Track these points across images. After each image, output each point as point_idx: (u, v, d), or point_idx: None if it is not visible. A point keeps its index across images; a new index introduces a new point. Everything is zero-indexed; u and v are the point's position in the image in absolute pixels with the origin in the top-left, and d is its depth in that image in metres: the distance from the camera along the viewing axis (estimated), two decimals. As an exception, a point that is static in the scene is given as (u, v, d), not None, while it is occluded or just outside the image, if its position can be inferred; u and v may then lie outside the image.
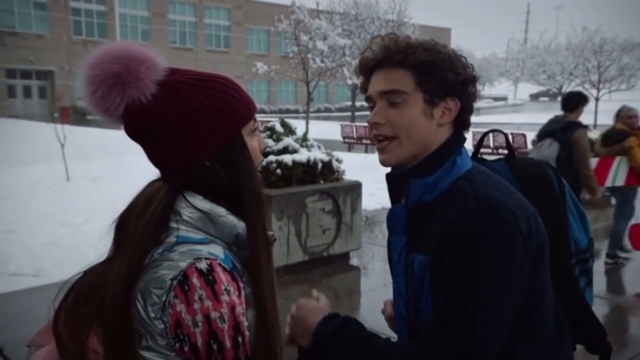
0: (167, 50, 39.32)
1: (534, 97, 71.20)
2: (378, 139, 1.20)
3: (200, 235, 0.98)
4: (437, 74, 1.15)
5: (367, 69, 1.23)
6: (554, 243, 1.19)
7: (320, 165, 5.55)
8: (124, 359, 0.93)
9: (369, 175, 8.79)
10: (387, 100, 1.18)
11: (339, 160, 5.84)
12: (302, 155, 5.45)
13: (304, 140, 5.79)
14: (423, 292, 1.14)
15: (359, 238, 5.85)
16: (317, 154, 5.59)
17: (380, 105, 1.19)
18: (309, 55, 20.03)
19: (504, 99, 68.52)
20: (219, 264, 0.94)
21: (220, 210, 0.99)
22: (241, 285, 0.96)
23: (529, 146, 10.68)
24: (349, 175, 6.07)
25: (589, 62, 33.02)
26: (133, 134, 1.00)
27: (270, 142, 5.56)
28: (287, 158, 5.34)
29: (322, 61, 20.81)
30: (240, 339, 0.94)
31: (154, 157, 1.02)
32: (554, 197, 1.27)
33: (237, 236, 1.01)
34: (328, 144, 7.69)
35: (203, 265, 0.93)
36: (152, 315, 0.92)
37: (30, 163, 12.36)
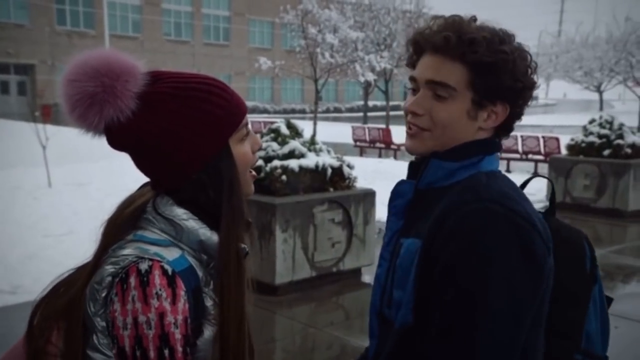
0: (161, 43, 39.66)
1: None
2: (410, 126, 1.23)
3: (158, 236, 1.04)
4: (494, 76, 1.16)
5: (420, 47, 1.23)
6: (561, 319, 1.18)
7: (329, 171, 5.56)
8: (76, 357, 0.99)
9: (383, 182, 8.78)
10: (432, 91, 1.19)
11: (350, 166, 5.85)
12: (310, 160, 5.46)
13: (311, 144, 5.80)
14: (404, 280, 1.15)
15: (372, 252, 5.84)
16: (326, 159, 5.59)
17: (425, 94, 1.20)
18: (318, 50, 20.10)
19: (535, 98, 68.27)
20: (161, 266, 0.98)
21: (181, 214, 1.05)
22: (181, 293, 0.98)
23: (563, 151, 10.63)
24: (361, 183, 6.07)
25: (632, 57, 32.86)
26: (115, 148, 1.08)
27: (274, 145, 5.57)
28: (293, 163, 5.35)
29: (331, 56, 20.87)
30: (167, 352, 0.96)
31: (141, 167, 1.09)
32: (581, 271, 1.24)
33: (202, 244, 1.05)
34: (338, 148, 7.71)
35: (144, 265, 0.98)
36: (93, 310, 0.99)
37: (8, 167, 12.45)
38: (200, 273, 1.04)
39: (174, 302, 0.96)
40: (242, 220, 1.09)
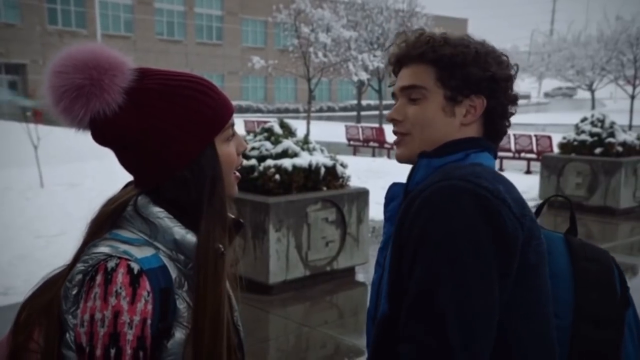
0: (153, 42, 39.53)
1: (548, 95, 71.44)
2: (396, 134, 1.26)
3: (132, 235, 1.04)
4: (460, 69, 1.18)
5: (393, 66, 1.28)
6: (596, 339, 1.13)
7: (323, 170, 5.56)
8: (52, 355, 1.00)
9: (376, 181, 8.81)
10: (407, 96, 1.23)
11: (343, 165, 5.85)
12: (303, 160, 5.46)
13: (305, 143, 5.80)
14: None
15: (365, 251, 5.85)
16: (320, 158, 5.60)
17: (401, 101, 1.25)
18: (311, 49, 20.11)
19: (527, 97, 68.57)
20: (127, 265, 0.97)
21: (157, 212, 1.04)
22: (143, 293, 0.96)
23: (555, 149, 10.67)
24: (354, 182, 6.08)
25: (623, 56, 33.04)
26: (100, 143, 1.07)
27: (268, 144, 5.57)
28: (287, 162, 5.35)
29: (324, 55, 20.88)
30: (113, 351, 0.94)
31: (124, 164, 1.09)
32: (612, 294, 1.18)
33: (176, 243, 1.04)
34: (331, 147, 7.71)
35: (112, 263, 0.97)
36: (65, 308, 0.99)
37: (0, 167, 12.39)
38: (174, 274, 1.02)
39: (132, 301, 0.95)
40: (223, 221, 1.07)
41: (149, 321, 0.96)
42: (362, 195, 5.80)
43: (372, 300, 1.27)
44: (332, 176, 5.67)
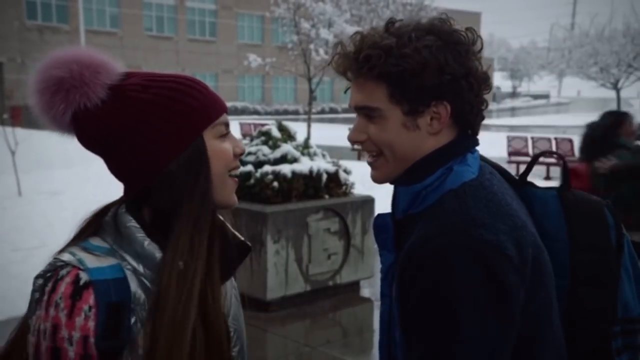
0: (142, 39, 39.67)
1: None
2: (368, 154, 1.26)
3: (100, 243, 1.06)
4: (412, 81, 1.15)
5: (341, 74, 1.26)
6: (593, 301, 1.20)
7: (324, 176, 5.57)
8: None
9: (382, 188, 8.77)
10: (364, 115, 1.22)
11: (347, 171, 5.86)
12: (304, 165, 5.47)
13: (305, 147, 5.81)
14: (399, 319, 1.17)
15: (371, 264, 5.84)
16: (321, 164, 5.61)
17: (359, 120, 1.24)
18: (311, 46, 20.14)
19: (546, 96, 68.64)
20: (76, 274, 0.99)
21: (126, 221, 1.05)
22: (83, 307, 0.96)
23: (577, 154, 10.66)
24: (359, 189, 6.08)
25: (653, 51, 33.00)
26: (85, 143, 1.09)
27: (265, 149, 5.58)
28: (286, 168, 5.36)
29: (326, 53, 20.91)
30: None
31: (112, 168, 1.11)
32: (606, 245, 1.25)
33: (137, 254, 1.04)
34: (334, 152, 7.71)
35: (63, 271, 1.00)
36: (29, 314, 1.03)
37: (-24, 174, 12.39)
38: (135, 287, 1.02)
39: (70, 315, 0.96)
40: (200, 224, 1.04)
41: (91, 339, 0.96)
42: (367, 204, 5.80)
43: (383, 332, 1.30)
44: (334, 183, 5.68)
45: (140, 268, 1.04)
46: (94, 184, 10.41)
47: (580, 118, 38.74)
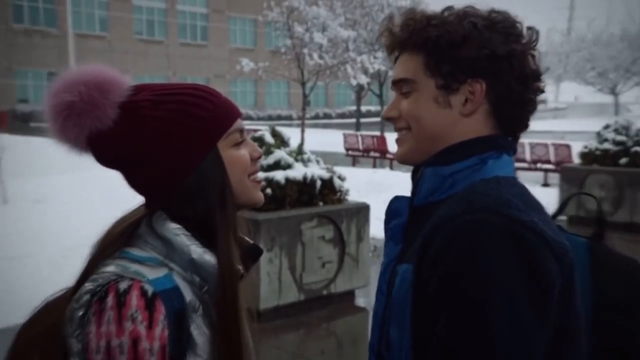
0: (131, 43, 39.68)
1: None
2: (397, 133, 1.24)
3: (145, 254, 1.07)
4: (448, 51, 1.13)
5: (390, 55, 1.26)
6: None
7: (319, 183, 5.57)
8: None
9: (377, 195, 8.80)
10: (399, 90, 1.22)
11: (341, 178, 5.86)
12: (297, 172, 5.46)
13: (299, 153, 5.81)
14: (400, 315, 1.09)
15: (366, 273, 5.84)
16: (315, 170, 5.61)
17: (396, 96, 1.23)
18: (305, 50, 20.20)
19: (543, 101, 68.94)
20: (141, 287, 0.99)
21: (173, 229, 1.07)
22: (159, 317, 0.98)
23: (575, 160, 10.72)
24: (353, 196, 6.09)
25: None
26: (103, 163, 1.13)
27: (257, 155, 5.58)
28: (279, 175, 5.35)
29: (320, 57, 20.97)
30: None
31: (133, 184, 1.14)
32: (635, 309, 1.15)
33: (193, 263, 1.06)
34: (328, 158, 7.72)
35: (123, 284, 0.99)
36: (70, 331, 1.01)
37: (-40, 181, 12.33)
38: (188, 297, 1.05)
39: (150, 326, 0.97)
40: (235, 236, 1.10)
41: (167, 348, 0.99)
42: (362, 211, 5.80)
43: (375, 332, 1.21)
44: (329, 190, 5.68)
45: (191, 276, 1.07)
46: (82, 191, 10.38)
47: (578, 123, 38.98)
